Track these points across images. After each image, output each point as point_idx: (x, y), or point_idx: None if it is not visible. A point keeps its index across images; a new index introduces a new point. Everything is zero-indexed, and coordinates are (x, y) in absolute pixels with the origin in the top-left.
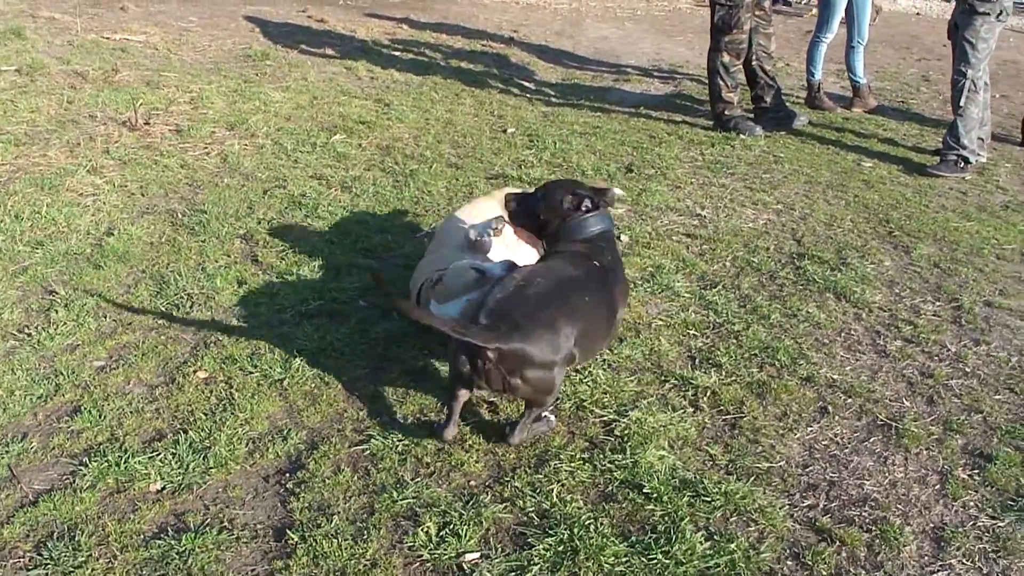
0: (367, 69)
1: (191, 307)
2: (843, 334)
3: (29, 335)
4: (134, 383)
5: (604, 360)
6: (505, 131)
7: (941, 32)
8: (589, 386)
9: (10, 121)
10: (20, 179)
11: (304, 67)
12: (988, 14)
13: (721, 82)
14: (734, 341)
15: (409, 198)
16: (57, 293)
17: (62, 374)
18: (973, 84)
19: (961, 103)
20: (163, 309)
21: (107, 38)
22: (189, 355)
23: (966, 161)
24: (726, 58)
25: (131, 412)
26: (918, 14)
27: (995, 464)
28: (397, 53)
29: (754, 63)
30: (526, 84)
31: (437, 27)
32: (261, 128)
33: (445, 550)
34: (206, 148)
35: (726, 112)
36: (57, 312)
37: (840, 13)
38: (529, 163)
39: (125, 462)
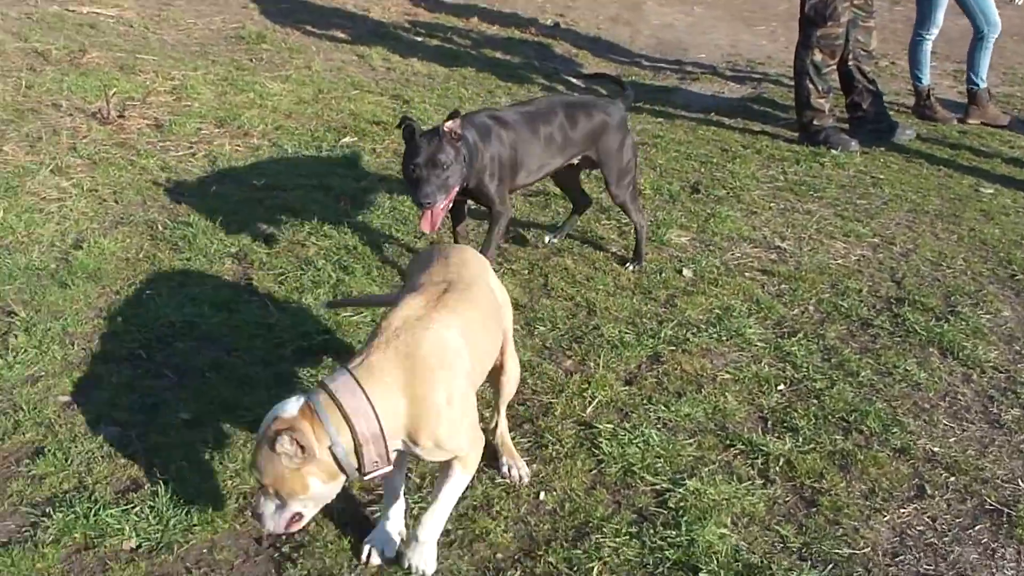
0: (383, 58)
1: (173, 337)
2: (948, 398)
3: None
4: (105, 423)
5: (659, 418)
6: None
7: None
8: (640, 448)
9: None
10: None
11: (308, 53)
12: None
13: (811, 85)
14: (815, 402)
15: None
16: (16, 315)
17: (22, 409)
18: None
19: None
20: (140, 338)
21: (72, 11)
22: (170, 393)
23: None
24: (818, 56)
25: (102, 457)
26: None
27: None
28: (419, 39)
29: (851, 63)
30: (574, 81)
31: (467, 9)
32: (256, 126)
33: None
34: (191, 148)
35: (815, 122)
36: (16, 337)
37: (943, 3)
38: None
39: (95, 514)
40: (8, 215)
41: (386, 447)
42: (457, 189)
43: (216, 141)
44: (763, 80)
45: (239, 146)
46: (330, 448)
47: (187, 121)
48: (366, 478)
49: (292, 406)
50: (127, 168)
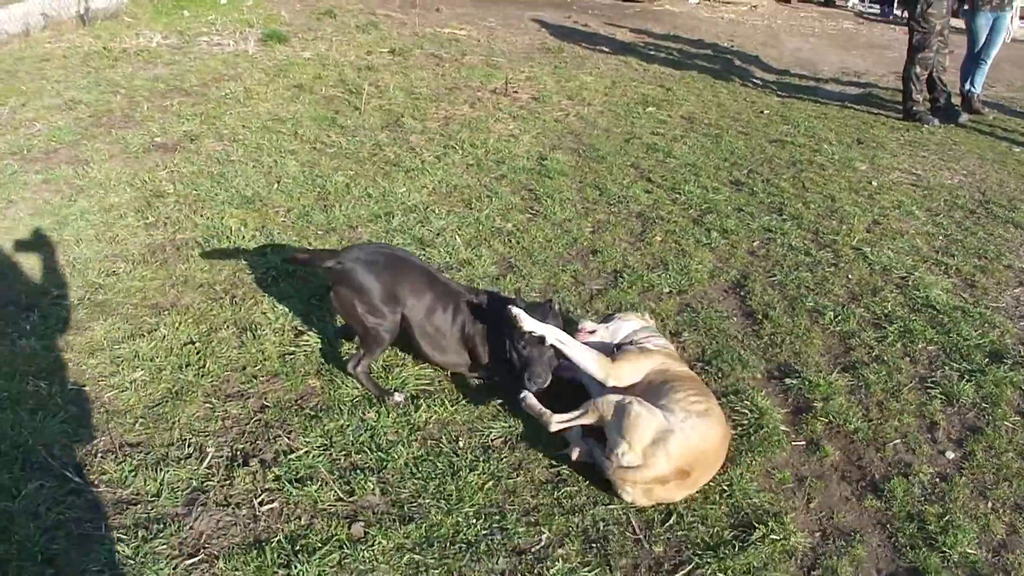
0: (638, 63)
1: (628, 203)
2: (1023, 247)
3: (536, 212)
4: (616, 240)
5: (887, 246)
6: (762, 112)
7: None
8: (888, 258)
9: (412, 85)
10: (453, 123)
11: (592, 59)
12: None
13: (912, 86)
14: (959, 244)
15: (724, 150)
16: (535, 190)
17: (570, 233)
18: None
19: None
20: (612, 203)
21: (440, 31)
22: (644, 227)
23: None
24: (918, 70)
25: (628, 255)
26: None
27: None
28: (652, 52)
29: (934, 74)
30: (755, 80)
31: (674, 34)
32: (592, 99)
33: None
34: (563, 110)
35: (914, 108)
36: (544, 201)
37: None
38: (791, 135)
39: (643, 276)
40: (490, 142)
41: None
42: None
43: (574, 108)
44: (867, 84)
45: (589, 110)
46: None
47: (551, 96)
48: None
49: None
50: (535, 120)
